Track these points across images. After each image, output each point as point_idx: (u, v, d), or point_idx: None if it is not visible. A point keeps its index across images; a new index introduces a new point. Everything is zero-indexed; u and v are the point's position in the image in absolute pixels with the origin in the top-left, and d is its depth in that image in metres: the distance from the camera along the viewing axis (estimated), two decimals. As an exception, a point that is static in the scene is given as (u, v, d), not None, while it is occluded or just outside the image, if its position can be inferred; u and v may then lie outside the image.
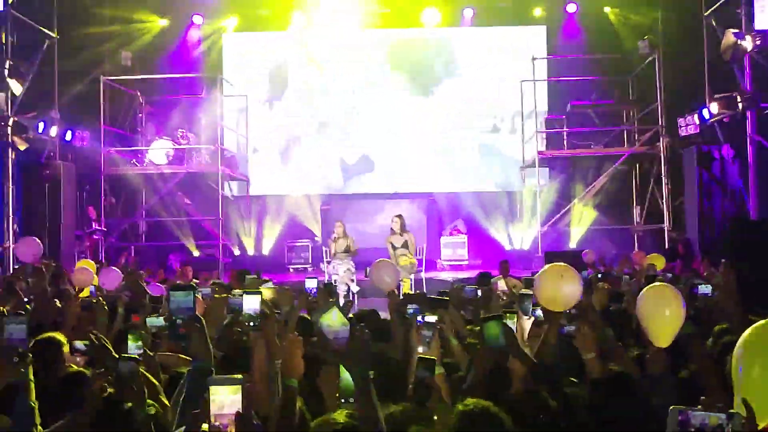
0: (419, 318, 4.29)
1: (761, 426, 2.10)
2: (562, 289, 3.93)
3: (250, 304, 3.51)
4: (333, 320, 2.63)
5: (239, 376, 2.50)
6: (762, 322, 2.45)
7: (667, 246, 14.45)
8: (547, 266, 4.17)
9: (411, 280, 12.13)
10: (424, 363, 3.46)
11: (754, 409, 2.07)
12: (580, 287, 3.97)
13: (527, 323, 4.34)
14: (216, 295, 5.24)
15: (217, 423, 2.37)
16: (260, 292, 3.66)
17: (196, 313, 3.21)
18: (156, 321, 4.74)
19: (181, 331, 3.18)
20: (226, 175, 16.02)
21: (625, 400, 3.07)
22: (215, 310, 3.60)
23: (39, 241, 9.88)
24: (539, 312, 4.41)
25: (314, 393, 3.62)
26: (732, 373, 2.38)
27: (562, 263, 4.10)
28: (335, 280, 11.86)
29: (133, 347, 3.94)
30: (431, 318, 4.30)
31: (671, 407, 2.08)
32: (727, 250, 9.83)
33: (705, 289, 5.63)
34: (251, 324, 3.36)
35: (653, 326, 3.97)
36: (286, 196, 17.11)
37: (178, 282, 6.17)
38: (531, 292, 4.50)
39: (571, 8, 16.88)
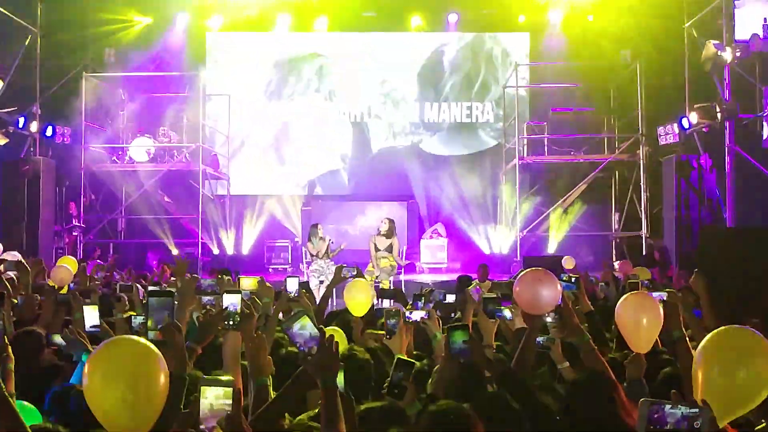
0: (407, 314, 4.36)
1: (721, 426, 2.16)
2: (540, 293, 3.97)
3: (230, 302, 3.52)
4: (302, 327, 2.63)
5: (230, 377, 2.51)
6: (721, 329, 2.58)
7: (644, 253, 14.58)
8: (525, 270, 4.22)
9: (390, 282, 12.21)
10: (402, 365, 3.49)
11: (714, 410, 2.13)
12: (558, 291, 4.02)
13: (493, 326, 4.41)
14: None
15: (203, 426, 2.38)
16: (240, 292, 3.67)
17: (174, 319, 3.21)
18: (139, 319, 4.78)
19: (158, 337, 3.18)
20: (206, 173, 15.98)
21: (600, 400, 3.11)
22: (187, 292, 3.64)
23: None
24: (506, 313, 4.49)
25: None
26: (692, 376, 2.48)
27: (540, 268, 4.15)
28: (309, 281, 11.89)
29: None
30: (419, 314, 4.36)
31: (641, 399, 2.12)
32: (699, 258, 9.93)
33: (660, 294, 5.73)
34: (231, 322, 3.37)
35: (632, 333, 4.05)
36: (266, 197, 17.10)
37: (155, 288, 6.11)
38: (495, 295, 4.58)
39: (555, 16, 17.00)
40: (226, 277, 7.05)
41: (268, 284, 5.43)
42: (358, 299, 5.36)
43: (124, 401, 2.27)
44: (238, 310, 3.42)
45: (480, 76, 17.66)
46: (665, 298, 5.21)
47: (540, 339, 3.92)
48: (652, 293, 5.69)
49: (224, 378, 2.49)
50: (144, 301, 4.76)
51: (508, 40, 17.79)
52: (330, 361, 2.64)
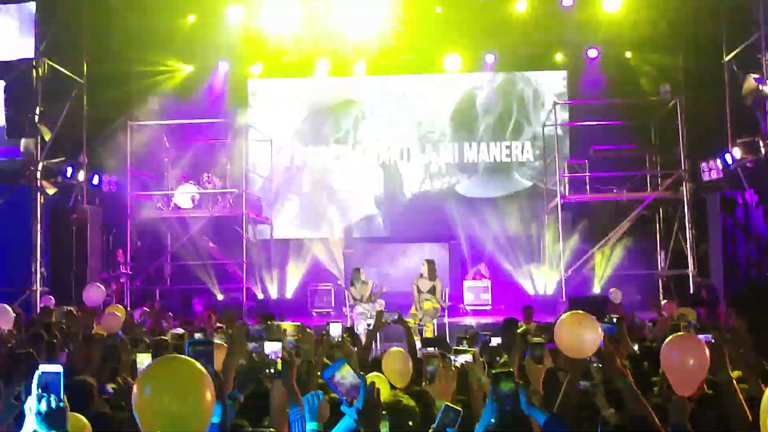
0: (452, 357, 4.32)
1: None
2: (581, 336, 3.94)
3: (272, 349, 3.54)
4: (343, 376, 2.63)
5: (271, 430, 2.51)
6: None
7: (691, 291, 14.33)
8: (565, 314, 4.19)
9: (434, 324, 12.17)
10: (449, 412, 3.45)
11: None
12: (599, 335, 3.98)
13: (541, 371, 4.35)
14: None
15: None
16: (281, 340, 3.70)
17: (214, 366, 3.24)
18: None
19: None
20: (250, 218, 16.15)
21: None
22: (235, 350, 3.65)
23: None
24: None
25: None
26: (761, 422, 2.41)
27: (581, 311, 4.12)
28: (356, 325, 11.89)
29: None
30: (463, 358, 4.32)
31: None
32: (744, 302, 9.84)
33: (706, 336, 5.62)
34: (272, 371, 3.39)
35: (677, 376, 3.98)
36: (309, 240, 17.22)
37: (195, 334, 6.17)
38: (542, 340, 4.52)
39: (592, 53, 17.03)
40: (275, 323, 7.08)
41: (308, 330, 5.45)
42: (396, 369, 4.96)
43: (172, 415, 2.29)
44: (280, 358, 3.45)
45: (514, 115, 17.73)
46: (711, 340, 5.13)
47: (581, 384, 3.87)
48: (698, 335, 5.60)
49: (265, 430, 2.51)
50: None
51: (545, 79, 17.84)
52: (373, 411, 2.64)
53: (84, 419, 3.18)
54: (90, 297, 10.28)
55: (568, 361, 3.98)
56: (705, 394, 4.24)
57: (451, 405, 3.55)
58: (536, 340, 4.55)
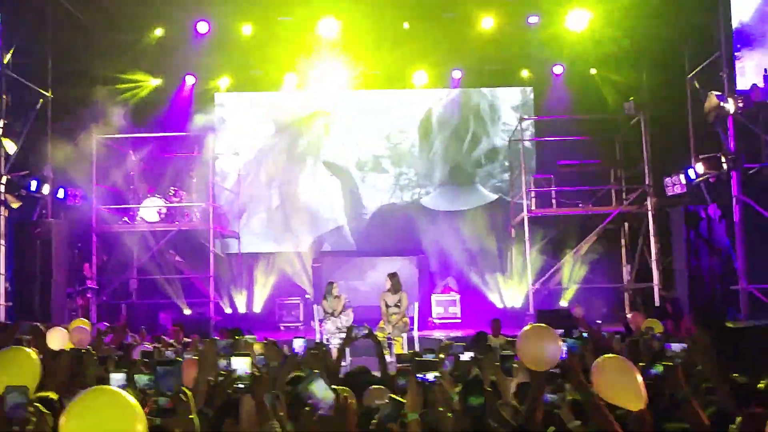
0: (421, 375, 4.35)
1: None
2: (543, 348, 3.98)
3: (240, 365, 3.55)
4: (318, 388, 2.66)
5: None
6: None
7: (657, 305, 14.51)
8: (527, 326, 4.24)
9: (404, 338, 12.18)
10: (393, 404, 3.43)
11: None
12: (560, 346, 4.03)
13: (512, 383, 4.39)
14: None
15: None
16: (249, 354, 3.71)
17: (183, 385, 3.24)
18: (143, 378, 4.79)
19: (169, 406, 3.21)
20: (217, 232, 16.07)
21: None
22: (208, 356, 3.64)
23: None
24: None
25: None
26: None
27: (541, 324, 4.17)
28: (327, 339, 11.88)
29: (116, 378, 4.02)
30: (431, 375, 4.34)
31: None
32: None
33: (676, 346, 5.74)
34: (241, 386, 3.40)
35: (614, 397, 3.91)
36: (277, 254, 17.17)
37: (166, 351, 6.13)
38: (512, 353, 4.56)
39: (558, 70, 17.27)
40: (244, 338, 7.05)
41: (276, 346, 5.44)
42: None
43: None
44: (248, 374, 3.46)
45: (479, 130, 17.93)
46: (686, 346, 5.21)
47: (548, 397, 3.92)
48: (670, 344, 5.69)
49: None
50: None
51: (510, 95, 18.06)
52: (344, 422, 2.67)
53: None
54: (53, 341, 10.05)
55: (532, 374, 4.03)
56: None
57: (395, 397, 3.55)
58: (506, 352, 4.61)
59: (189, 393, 3.14)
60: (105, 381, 4.56)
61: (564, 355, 4.21)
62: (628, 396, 3.69)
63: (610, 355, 4.02)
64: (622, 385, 3.75)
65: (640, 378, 3.69)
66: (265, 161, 18.04)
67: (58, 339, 7.59)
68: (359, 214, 17.92)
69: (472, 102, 18.15)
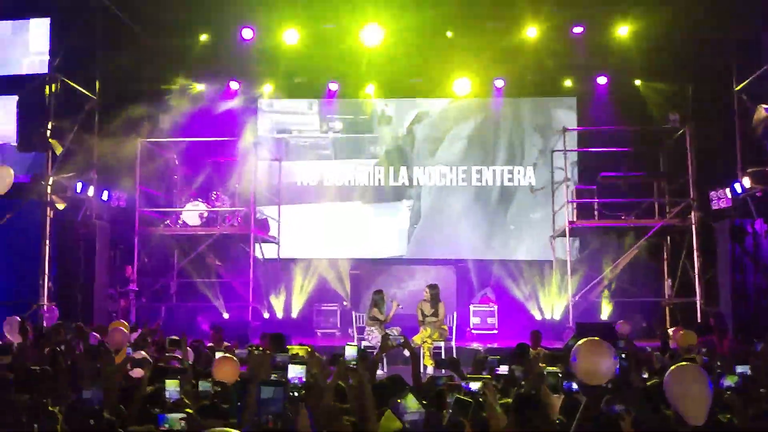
0: (464, 383, 4.32)
1: None
2: (598, 363, 3.94)
3: (295, 373, 3.52)
4: (411, 404, 2.72)
5: None
6: None
7: (699, 320, 14.28)
8: (582, 340, 4.19)
9: (441, 348, 12.20)
10: (460, 404, 3.43)
11: None
12: (615, 362, 3.99)
13: (557, 400, 4.34)
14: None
15: None
16: (305, 362, 3.69)
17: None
18: (205, 385, 4.83)
19: (270, 425, 3.21)
20: (257, 237, 16.16)
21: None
22: (259, 366, 3.61)
23: None
24: (574, 385, 4.44)
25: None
26: None
27: (597, 338, 4.13)
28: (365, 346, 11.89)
29: (172, 389, 4.03)
30: (475, 385, 4.32)
31: None
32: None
33: (744, 369, 5.58)
34: (295, 393, 3.39)
35: (681, 406, 3.94)
36: (315, 260, 17.21)
37: (264, 378, 6.16)
38: (557, 370, 4.51)
39: (602, 80, 17.08)
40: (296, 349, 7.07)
41: (317, 354, 5.43)
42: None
43: None
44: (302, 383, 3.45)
45: (522, 140, 17.79)
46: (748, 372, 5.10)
47: (615, 407, 3.86)
48: (736, 366, 5.57)
49: None
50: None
51: (556, 105, 17.91)
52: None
53: None
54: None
55: (586, 388, 3.98)
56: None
57: (461, 397, 3.54)
58: (551, 369, 4.56)
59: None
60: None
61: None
62: (697, 409, 3.68)
63: (690, 364, 4.00)
64: (695, 398, 3.73)
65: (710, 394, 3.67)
66: (307, 167, 18.09)
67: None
68: (400, 222, 17.84)
69: (526, 113, 17.99)
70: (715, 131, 14.89)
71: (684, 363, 4.39)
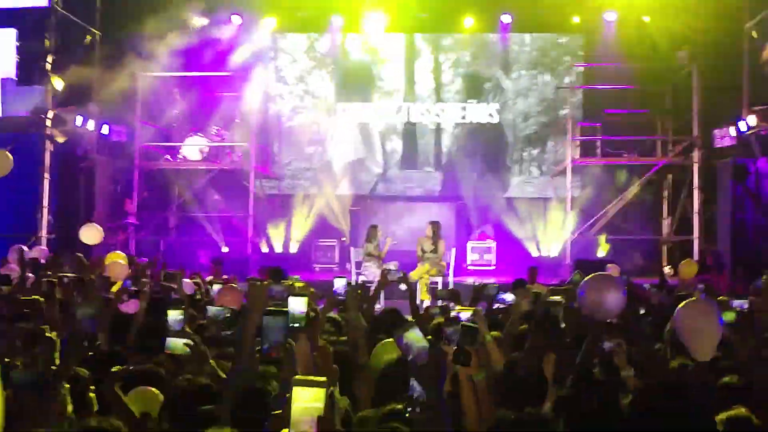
0: (454, 312, 4.33)
1: None
2: (606, 297, 3.95)
3: (296, 306, 3.51)
4: (415, 337, 2.77)
5: (323, 378, 2.46)
6: None
7: (696, 258, 14.31)
8: (591, 275, 4.18)
9: (438, 282, 12.25)
10: (467, 331, 3.44)
11: None
12: (622, 297, 3.98)
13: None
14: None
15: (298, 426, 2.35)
16: (306, 295, 3.68)
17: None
18: (218, 310, 4.90)
19: (272, 355, 3.25)
20: (258, 172, 16.10)
21: (671, 408, 3.03)
22: (258, 297, 3.61)
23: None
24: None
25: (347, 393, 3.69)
26: None
27: (605, 273, 4.12)
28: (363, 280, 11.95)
29: (174, 318, 4.06)
30: (465, 314, 4.30)
31: None
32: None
33: (741, 303, 5.60)
34: (296, 325, 3.39)
35: (692, 341, 3.97)
36: (315, 196, 17.16)
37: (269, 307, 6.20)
38: (560, 299, 4.52)
39: (610, 16, 16.75)
40: (292, 280, 7.09)
41: (312, 289, 5.45)
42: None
43: None
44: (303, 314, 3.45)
45: (525, 76, 17.55)
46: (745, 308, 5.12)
47: (606, 344, 3.89)
48: (732, 301, 5.60)
49: (317, 379, 2.45)
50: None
51: (562, 41, 17.63)
52: (437, 374, 2.80)
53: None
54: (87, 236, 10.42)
55: (590, 323, 3.98)
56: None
57: (468, 324, 3.55)
58: (555, 298, 4.56)
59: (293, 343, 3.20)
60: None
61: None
62: (705, 344, 3.70)
63: (700, 299, 4.02)
64: (704, 333, 3.76)
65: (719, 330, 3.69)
66: (310, 102, 17.91)
67: (91, 236, 7.79)
68: (399, 160, 17.73)
69: (532, 48, 17.71)
70: (723, 69, 14.65)
71: (695, 299, 4.41)
